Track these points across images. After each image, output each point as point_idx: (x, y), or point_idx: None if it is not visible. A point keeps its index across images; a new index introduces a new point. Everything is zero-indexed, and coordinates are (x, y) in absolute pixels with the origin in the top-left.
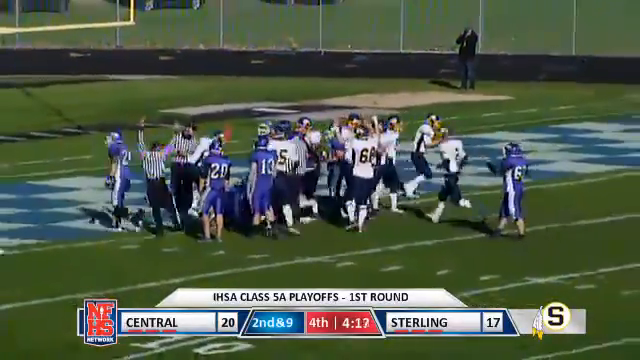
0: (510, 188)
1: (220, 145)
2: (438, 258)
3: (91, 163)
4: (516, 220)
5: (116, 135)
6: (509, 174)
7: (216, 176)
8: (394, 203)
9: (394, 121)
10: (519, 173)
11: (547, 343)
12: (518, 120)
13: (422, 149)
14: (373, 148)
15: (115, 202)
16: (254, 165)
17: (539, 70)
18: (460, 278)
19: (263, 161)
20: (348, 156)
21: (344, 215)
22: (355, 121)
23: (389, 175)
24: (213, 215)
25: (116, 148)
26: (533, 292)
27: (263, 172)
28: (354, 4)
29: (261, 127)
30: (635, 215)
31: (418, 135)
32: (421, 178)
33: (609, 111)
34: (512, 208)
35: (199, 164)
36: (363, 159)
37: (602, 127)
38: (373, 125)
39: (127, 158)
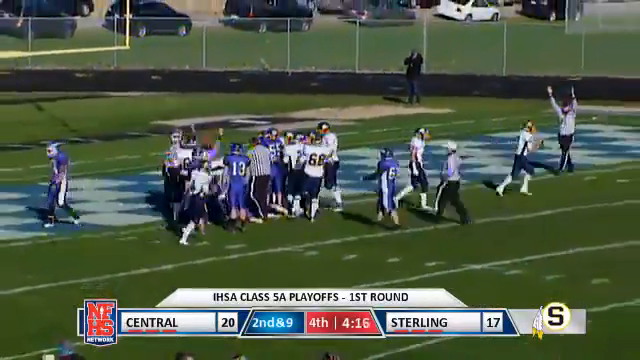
0: (384, 186)
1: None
2: (389, 248)
3: (92, 167)
4: (389, 213)
5: (55, 145)
6: (384, 175)
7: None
8: (424, 202)
9: (422, 131)
10: (392, 173)
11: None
12: (457, 130)
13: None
14: (323, 154)
15: (61, 202)
16: (227, 168)
17: (475, 87)
18: (407, 265)
19: (234, 164)
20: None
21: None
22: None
23: (419, 177)
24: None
25: (63, 157)
26: (470, 276)
27: (234, 174)
28: (317, 31)
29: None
30: (554, 211)
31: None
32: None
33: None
34: (386, 203)
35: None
36: (312, 162)
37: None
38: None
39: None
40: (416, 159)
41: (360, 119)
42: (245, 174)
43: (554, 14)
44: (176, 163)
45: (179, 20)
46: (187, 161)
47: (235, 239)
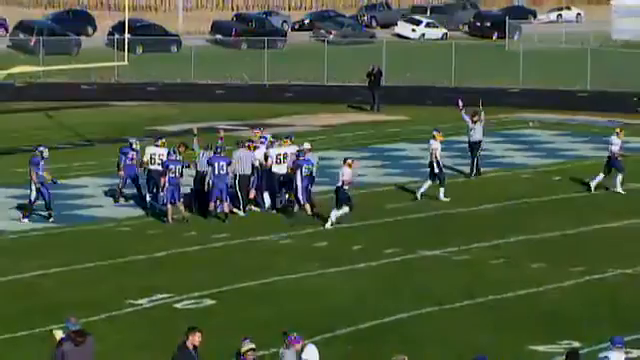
0: (299, 181)
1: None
2: (354, 236)
3: (95, 167)
4: (304, 205)
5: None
6: (298, 172)
7: (172, 174)
8: (442, 194)
9: (436, 132)
10: (306, 171)
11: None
12: (413, 134)
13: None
14: (285, 153)
15: (32, 199)
16: (210, 167)
17: (427, 97)
18: (368, 251)
19: (216, 164)
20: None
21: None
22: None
23: (438, 174)
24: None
25: (37, 161)
26: (423, 261)
27: (216, 172)
28: (291, 49)
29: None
30: (497, 205)
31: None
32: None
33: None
34: (300, 196)
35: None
36: (278, 161)
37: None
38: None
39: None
40: (436, 158)
41: (328, 125)
42: (227, 173)
43: (496, 34)
44: (144, 159)
45: (171, 39)
46: (154, 157)
47: (220, 229)
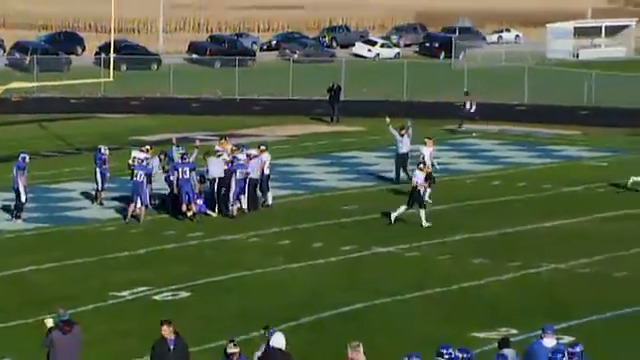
0: (233, 184)
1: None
2: (315, 235)
3: (84, 173)
4: (231, 205)
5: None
6: (233, 176)
7: (141, 179)
8: (427, 196)
9: (427, 140)
10: (240, 175)
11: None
12: (368, 144)
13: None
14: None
15: (23, 199)
16: (176, 172)
17: (382, 110)
18: (327, 248)
19: (180, 169)
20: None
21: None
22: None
23: (426, 177)
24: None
25: (23, 165)
26: (377, 257)
27: (181, 177)
28: (260, 67)
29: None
30: (444, 206)
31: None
32: None
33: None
34: (231, 198)
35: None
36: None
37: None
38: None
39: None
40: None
41: (293, 135)
42: (189, 177)
43: (444, 53)
44: (129, 161)
45: (152, 58)
46: (134, 160)
47: (195, 229)
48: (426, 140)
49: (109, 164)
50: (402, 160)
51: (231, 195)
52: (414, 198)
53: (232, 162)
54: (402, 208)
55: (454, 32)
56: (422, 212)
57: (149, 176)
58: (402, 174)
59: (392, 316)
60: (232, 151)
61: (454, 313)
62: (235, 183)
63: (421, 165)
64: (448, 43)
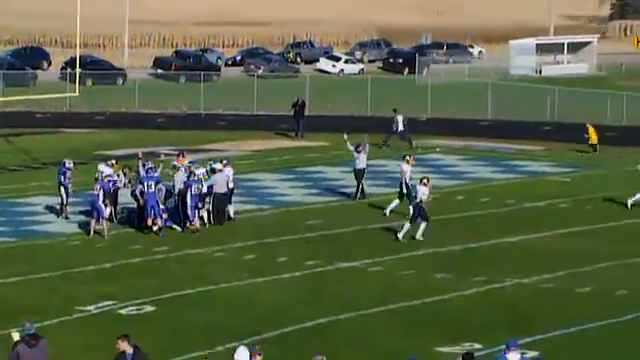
0: (189, 199)
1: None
2: (279, 250)
3: (49, 187)
4: (191, 222)
5: None
6: (189, 191)
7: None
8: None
9: (408, 157)
10: (196, 191)
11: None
12: (332, 159)
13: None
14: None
15: None
16: (140, 186)
17: (346, 126)
18: (293, 263)
19: (145, 183)
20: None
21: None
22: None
23: (407, 194)
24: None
25: None
26: (341, 271)
27: (146, 190)
28: (225, 82)
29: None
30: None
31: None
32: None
33: (395, 153)
34: (190, 213)
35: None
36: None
37: (387, 162)
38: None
39: None
40: (405, 180)
41: (257, 150)
42: (154, 190)
43: (407, 69)
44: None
45: (117, 73)
46: (102, 175)
47: (160, 243)
48: (408, 158)
49: (73, 178)
50: (360, 175)
51: (189, 211)
52: (418, 213)
53: (189, 178)
54: (407, 226)
55: (442, 47)
56: (423, 225)
57: (110, 191)
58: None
59: (356, 331)
60: (189, 167)
61: (418, 328)
62: (190, 198)
63: (425, 180)
64: (412, 59)
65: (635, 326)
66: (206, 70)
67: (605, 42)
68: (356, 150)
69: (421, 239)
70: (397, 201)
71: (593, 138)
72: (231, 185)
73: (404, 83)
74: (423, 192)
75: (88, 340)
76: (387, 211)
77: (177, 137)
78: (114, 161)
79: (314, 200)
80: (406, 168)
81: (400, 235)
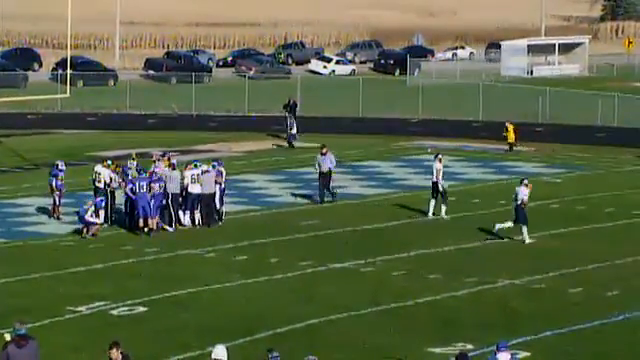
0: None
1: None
2: (271, 250)
3: (41, 188)
4: (148, 218)
5: None
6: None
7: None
8: (443, 211)
9: (440, 156)
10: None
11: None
12: None
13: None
14: (198, 175)
15: None
16: (130, 186)
17: (337, 126)
18: (285, 263)
19: (137, 183)
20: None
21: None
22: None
23: (442, 192)
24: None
25: None
26: (333, 272)
27: (138, 191)
28: (216, 83)
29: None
30: (399, 222)
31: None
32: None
33: (385, 153)
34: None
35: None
36: (193, 180)
37: (379, 164)
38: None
39: None
40: (438, 178)
41: (249, 151)
42: (146, 191)
43: (398, 70)
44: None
45: (108, 74)
46: (98, 176)
47: (151, 244)
48: (440, 156)
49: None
50: (324, 179)
51: (148, 210)
52: (518, 215)
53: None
54: (508, 224)
55: (409, 49)
56: (525, 228)
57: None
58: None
59: (348, 331)
60: (169, 166)
61: (410, 328)
62: (154, 198)
63: (525, 181)
64: (403, 60)
65: (626, 326)
66: (197, 71)
67: (596, 43)
68: (320, 153)
69: (530, 241)
70: (433, 200)
71: (511, 137)
72: (223, 185)
73: (395, 84)
74: (524, 193)
75: (79, 341)
76: (430, 214)
77: (168, 138)
78: (109, 161)
79: (305, 201)
80: (439, 166)
81: (497, 227)
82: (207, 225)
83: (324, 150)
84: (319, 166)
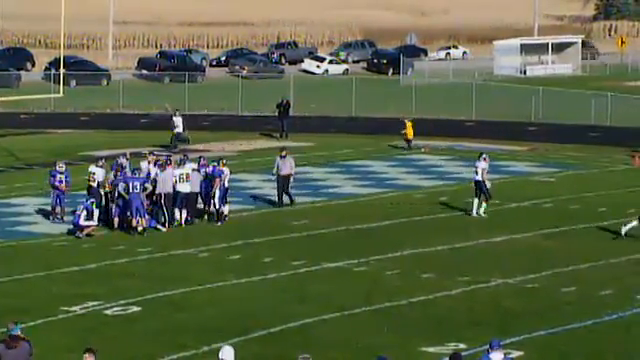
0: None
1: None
2: (265, 250)
3: (34, 188)
4: (134, 219)
5: None
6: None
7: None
8: (481, 209)
9: (485, 156)
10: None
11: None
12: (317, 159)
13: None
14: (188, 174)
15: None
16: (122, 185)
17: (330, 126)
18: (278, 263)
19: (130, 183)
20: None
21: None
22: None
23: (484, 191)
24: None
25: None
26: (326, 271)
27: (131, 191)
28: (209, 83)
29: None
30: (391, 222)
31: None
32: None
33: (376, 153)
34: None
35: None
36: (181, 180)
37: (372, 163)
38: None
39: None
40: (483, 177)
41: (242, 151)
42: (139, 191)
43: (392, 70)
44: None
45: (101, 74)
46: (93, 176)
47: (145, 244)
48: (484, 156)
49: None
50: (283, 182)
51: (134, 209)
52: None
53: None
54: (634, 223)
55: (402, 49)
56: (477, 201)
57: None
58: (285, 197)
59: (341, 330)
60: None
61: (403, 328)
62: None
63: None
64: (396, 60)
65: (620, 325)
66: (191, 71)
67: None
68: (280, 155)
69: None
70: (476, 200)
71: (409, 133)
72: (227, 184)
73: (388, 84)
74: (483, 167)
75: (73, 341)
76: (474, 213)
77: (161, 137)
78: (103, 161)
79: (299, 200)
80: (484, 165)
81: (623, 230)
82: (191, 223)
83: (284, 153)
84: (278, 169)
